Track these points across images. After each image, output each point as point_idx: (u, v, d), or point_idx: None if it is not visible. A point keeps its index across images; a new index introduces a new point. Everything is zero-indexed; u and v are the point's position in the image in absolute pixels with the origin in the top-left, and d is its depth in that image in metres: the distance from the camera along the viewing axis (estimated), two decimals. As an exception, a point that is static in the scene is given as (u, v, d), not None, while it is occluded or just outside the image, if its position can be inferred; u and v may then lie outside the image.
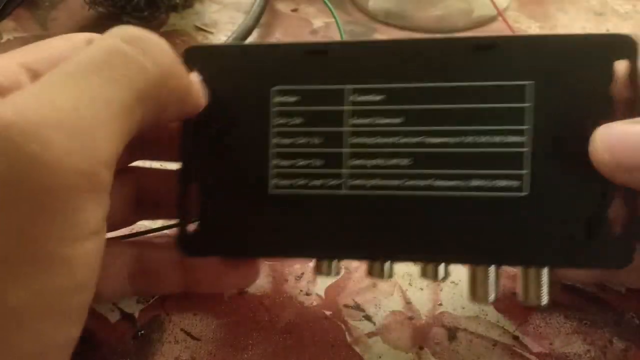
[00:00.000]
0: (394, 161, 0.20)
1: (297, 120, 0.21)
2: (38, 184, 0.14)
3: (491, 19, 0.41)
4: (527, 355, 0.22)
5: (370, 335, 0.23)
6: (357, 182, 0.21)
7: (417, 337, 0.23)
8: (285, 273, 0.25)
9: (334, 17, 0.37)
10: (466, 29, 0.40)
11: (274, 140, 0.21)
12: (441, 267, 0.21)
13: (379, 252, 0.21)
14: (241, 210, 0.21)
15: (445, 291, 0.24)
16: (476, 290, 0.21)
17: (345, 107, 0.21)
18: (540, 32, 0.40)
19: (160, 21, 0.41)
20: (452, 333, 0.23)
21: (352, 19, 0.42)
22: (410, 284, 0.25)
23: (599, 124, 0.19)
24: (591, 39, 0.20)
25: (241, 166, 0.21)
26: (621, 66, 0.19)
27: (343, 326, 0.23)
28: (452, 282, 0.25)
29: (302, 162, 0.21)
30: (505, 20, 0.39)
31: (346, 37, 0.39)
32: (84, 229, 0.15)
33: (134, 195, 0.24)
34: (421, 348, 0.23)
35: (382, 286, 0.25)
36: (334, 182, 0.21)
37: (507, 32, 0.39)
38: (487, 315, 0.24)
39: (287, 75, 0.21)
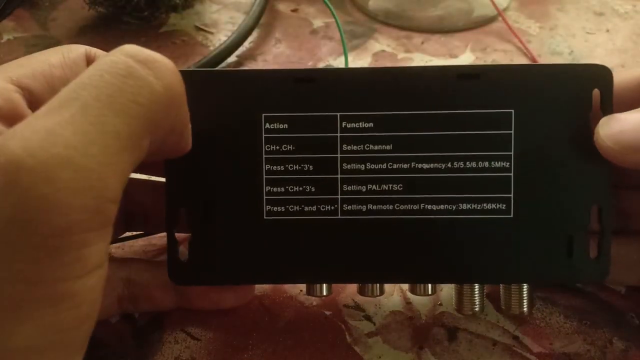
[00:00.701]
0: (385, 186, 0.21)
1: (289, 147, 0.21)
2: (45, 225, 0.14)
3: (491, 19, 0.41)
4: (527, 355, 0.22)
5: (370, 335, 0.23)
6: (351, 207, 0.21)
7: (417, 337, 0.23)
8: (285, 273, 0.25)
9: (334, 17, 0.37)
10: (466, 29, 0.40)
11: (266, 167, 0.21)
12: (429, 285, 0.22)
13: (373, 275, 0.22)
14: (234, 237, 0.21)
15: (445, 291, 0.24)
16: (463, 305, 0.22)
17: (337, 134, 0.21)
18: (540, 32, 0.40)
19: (160, 21, 0.41)
20: (452, 333, 0.23)
21: (352, 19, 0.42)
22: (410, 284, 0.25)
23: (579, 149, 0.20)
24: (571, 69, 0.21)
25: (234, 193, 0.21)
26: (597, 95, 0.20)
27: (343, 326, 0.23)
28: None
29: (295, 188, 0.21)
30: (505, 20, 0.39)
31: (346, 37, 0.39)
32: (89, 264, 0.15)
33: (123, 207, 0.23)
34: (421, 348, 0.23)
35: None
36: (328, 207, 0.21)
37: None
38: (487, 315, 0.24)
39: (276, 103, 0.21)
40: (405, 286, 0.25)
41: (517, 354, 0.22)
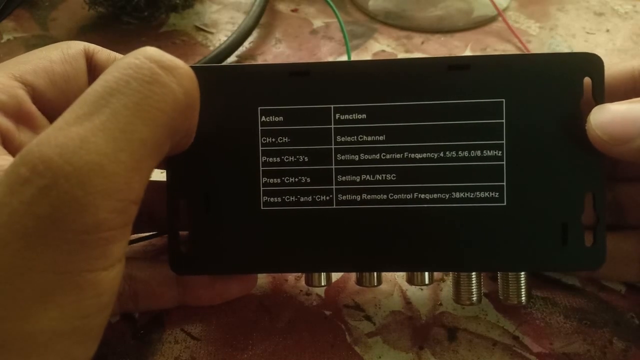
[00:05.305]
0: (379, 176, 0.21)
1: (284, 139, 0.22)
2: (77, 223, 0.15)
3: (491, 19, 0.41)
4: (527, 355, 0.22)
5: (370, 335, 0.23)
6: (346, 197, 0.22)
7: (417, 337, 0.23)
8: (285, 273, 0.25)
9: (337, 17, 0.37)
10: (466, 29, 0.40)
11: (263, 159, 0.22)
12: (426, 274, 0.22)
13: (369, 263, 0.22)
14: (233, 228, 0.22)
15: (445, 291, 0.24)
16: (460, 294, 0.22)
17: (331, 126, 0.22)
18: (540, 32, 0.40)
19: (160, 21, 0.41)
20: (452, 333, 0.23)
21: (352, 19, 0.42)
22: (410, 284, 0.25)
23: (571, 137, 0.21)
24: (562, 58, 0.21)
25: (232, 184, 0.22)
26: (588, 83, 0.21)
27: (343, 326, 0.23)
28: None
29: (291, 180, 0.22)
30: (505, 20, 0.39)
31: (347, 37, 0.39)
32: (112, 258, 0.16)
33: None
34: (421, 348, 0.23)
35: (382, 286, 0.25)
36: (324, 197, 0.22)
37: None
38: (487, 315, 0.24)
39: (272, 96, 0.22)
40: (406, 286, 0.25)
41: (517, 354, 0.22)
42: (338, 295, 0.24)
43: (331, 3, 0.37)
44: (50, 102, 0.21)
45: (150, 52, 0.17)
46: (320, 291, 0.25)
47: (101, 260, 0.16)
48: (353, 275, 0.24)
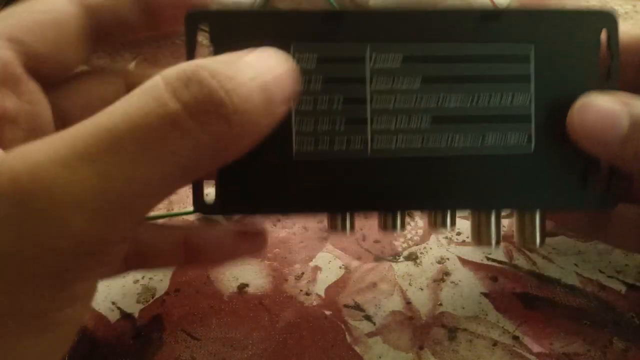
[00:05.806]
0: (414, 123, 0.21)
1: (318, 84, 0.21)
2: (45, 262, 0.14)
3: (491, 19, 0.41)
4: (527, 355, 0.22)
5: (370, 335, 0.23)
6: (380, 143, 0.21)
7: (417, 337, 0.23)
8: (285, 273, 0.25)
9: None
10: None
11: (295, 104, 0.21)
12: (448, 217, 0.22)
13: (397, 203, 0.22)
14: (262, 172, 0.21)
15: (445, 291, 0.24)
16: (481, 236, 0.22)
17: (366, 71, 0.22)
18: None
19: (161, 21, 0.41)
20: (452, 333, 0.23)
21: (352, 19, 0.42)
22: (410, 284, 0.25)
23: (589, 86, 0.21)
24: (582, 12, 0.22)
25: None
26: (604, 36, 0.22)
27: (343, 326, 0.23)
28: (452, 282, 0.25)
29: (324, 126, 0.21)
30: (505, 20, 0.39)
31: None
32: (77, 296, 0.15)
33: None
34: (421, 348, 0.23)
35: (382, 286, 0.25)
36: (358, 145, 0.21)
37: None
38: (487, 315, 0.24)
39: (305, 40, 0.21)
40: (406, 286, 0.25)
41: (517, 354, 0.22)
42: (338, 295, 0.24)
43: (333, 2, 0.37)
44: (43, 57, 0.19)
45: (181, 94, 0.15)
46: (320, 291, 0.25)
47: (64, 299, 0.15)
48: (354, 275, 0.24)
